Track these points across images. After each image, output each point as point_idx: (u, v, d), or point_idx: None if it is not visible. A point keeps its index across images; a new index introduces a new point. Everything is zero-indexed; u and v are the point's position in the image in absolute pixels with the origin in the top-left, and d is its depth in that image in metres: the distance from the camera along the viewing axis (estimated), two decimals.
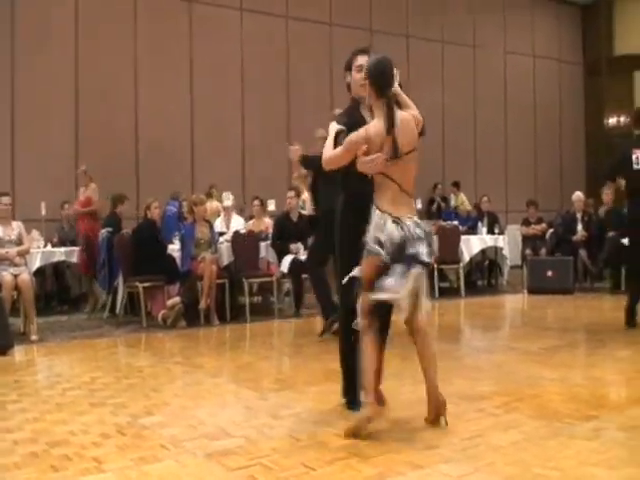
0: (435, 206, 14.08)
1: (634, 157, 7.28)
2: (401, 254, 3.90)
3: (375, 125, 3.98)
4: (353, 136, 3.98)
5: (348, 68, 4.52)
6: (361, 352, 4.08)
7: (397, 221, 3.92)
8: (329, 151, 4.15)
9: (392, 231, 3.90)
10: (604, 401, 4.65)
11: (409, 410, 4.44)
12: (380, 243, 3.90)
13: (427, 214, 13.89)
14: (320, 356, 6.42)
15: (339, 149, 4.07)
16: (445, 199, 14.44)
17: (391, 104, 4.01)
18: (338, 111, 7.12)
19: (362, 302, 4.00)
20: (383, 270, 3.93)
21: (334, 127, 4.22)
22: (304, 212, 8.94)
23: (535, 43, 16.75)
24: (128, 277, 8.72)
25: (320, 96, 13.26)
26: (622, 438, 3.75)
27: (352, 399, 4.45)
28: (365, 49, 4.51)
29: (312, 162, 7.13)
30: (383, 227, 3.91)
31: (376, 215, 3.96)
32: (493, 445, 3.69)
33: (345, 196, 4.37)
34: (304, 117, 12.14)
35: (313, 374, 5.78)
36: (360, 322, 4.05)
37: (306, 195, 8.82)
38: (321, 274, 7.37)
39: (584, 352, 6.74)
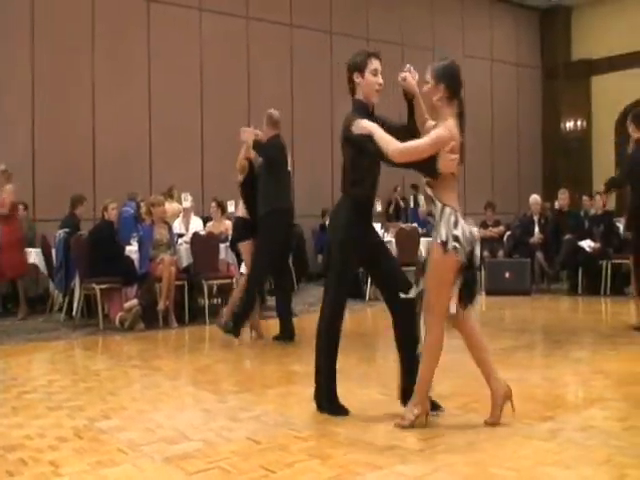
0: (393, 207, 14.14)
1: None
2: (471, 255, 3.90)
3: (452, 125, 4.01)
4: (442, 133, 3.93)
5: (358, 69, 4.36)
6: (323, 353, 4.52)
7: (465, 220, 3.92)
8: (407, 143, 3.97)
9: (465, 229, 3.87)
10: (560, 402, 4.71)
11: (371, 411, 4.45)
12: (457, 240, 3.83)
13: (386, 216, 13.95)
14: (280, 358, 6.42)
15: (423, 142, 3.93)
16: (404, 200, 14.51)
17: (462, 106, 4.12)
18: (259, 132, 7.16)
19: (436, 309, 3.94)
20: (461, 270, 3.90)
21: (369, 122, 4.18)
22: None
23: (493, 47, 16.94)
24: (85, 279, 8.59)
25: (280, 97, 13.24)
26: (578, 438, 3.79)
27: (323, 402, 4.43)
28: (376, 53, 4.43)
29: (264, 149, 7.12)
30: (456, 224, 3.85)
31: (446, 212, 3.87)
32: (452, 445, 3.71)
33: (357, 198, 4.34)
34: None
35: (273, 376, 5.78)
36: (435, 330, 3.98)
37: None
38: (283, 284, 7.48)
39: (541, 353, 6.81)
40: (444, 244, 3.82)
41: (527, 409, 4.36)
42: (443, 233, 3.83)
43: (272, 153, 7.10)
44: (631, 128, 7.39)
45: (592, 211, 11.71)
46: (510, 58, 17.32)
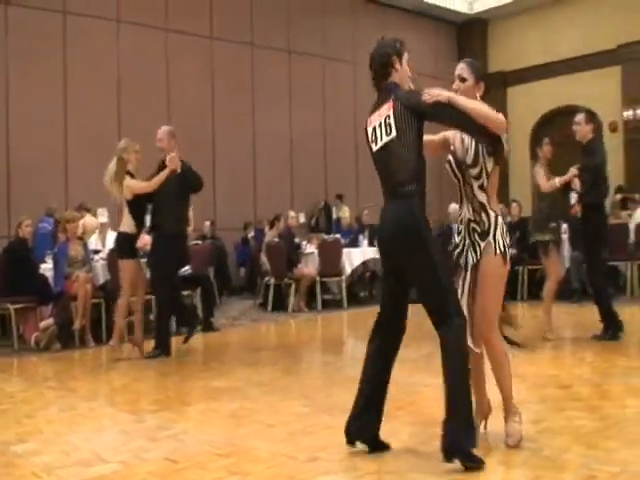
0: (314, 220, 14.19)
1: None
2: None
3: None
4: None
5: (398, 55, 3.82)
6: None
7: None
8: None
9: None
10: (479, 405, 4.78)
11: (293, 424, 4.43)
12: (509, 249, 3.78)
13: (309, 227, 14.00)
14: (199, 374, 6.35)
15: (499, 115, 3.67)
16: (328, 209, 14.58)
17: None
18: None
19: (495, 321, 3.83)
20: None
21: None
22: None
23: (412, 60, 17.19)
24: None
25: (201, 109, 13.17)
26: (495, 441, 3.85)
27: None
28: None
29: (197, 175, 7.36)
30: (505, 233, 3.76)
31: (499, 221, 3.73)
32: (372, 455, 3.72)
33: (421, 204, 3.63)
34: (186, 130, 11.96)
35: (192, 393, 5.71)
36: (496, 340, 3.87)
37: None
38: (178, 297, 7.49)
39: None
40: (504, 255, 3.71)
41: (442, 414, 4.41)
42: (501, 244, 3.71)
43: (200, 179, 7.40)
44: (586, 126, 7.42)
45: (508, 218, 11.98)
46: (428, 70, 17.59)
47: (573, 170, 6.98)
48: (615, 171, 15.27)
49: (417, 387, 5.32)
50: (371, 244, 12.08)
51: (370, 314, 11.00)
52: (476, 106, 3.60)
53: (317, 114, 14.99)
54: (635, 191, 13.53)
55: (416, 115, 3.57)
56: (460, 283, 3.82)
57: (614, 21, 15.21)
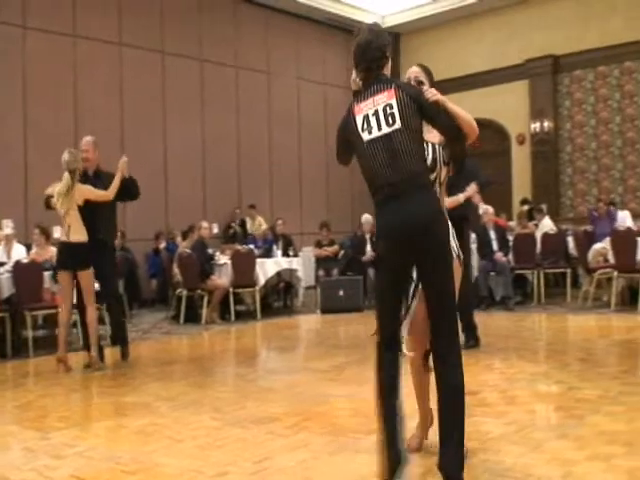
0: (232, 231, 14.09)
1: None
2: None
3: None
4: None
5: (388, 48, 3.54)
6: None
7: None
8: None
9: None
10: None
11: (203, 437, 4.37)
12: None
13: (224, 239, 13.88)
14: (108, 389, 6.21)
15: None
16: (243, 222, 14.51)
17: None
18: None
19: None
20: None
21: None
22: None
23: (326, 72, 17.31)
24: None
25: (110, 117, 12.93)
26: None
27: None
28: None
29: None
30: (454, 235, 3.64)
31: (449, 225, 3.49)
32: (281, 466, 3.71)
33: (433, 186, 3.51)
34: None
35: (100, 408, 5.59)
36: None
37: None
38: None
39: (372, 368, 6.96)
40: (459, 258, 3.65)
41: (357, 423, 4.44)
42: (456, 247, 3.63)
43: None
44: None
45: None
46: (342, 83, 17.75)
47: (473, 186, 7.15)
48: (523, 182, 15.83)
49: (327, 398, 5.33)
50: (285, 254, 12.08)
51: (284, 324, 11.11)
52: (463, 112, 3.44)
53: (230, 123, 14.92)
54: (542, 202, 14.01)
55: (418, 108, 3.34)
56: (411, 290, 3.55)
57: (521, 37, 15.69)
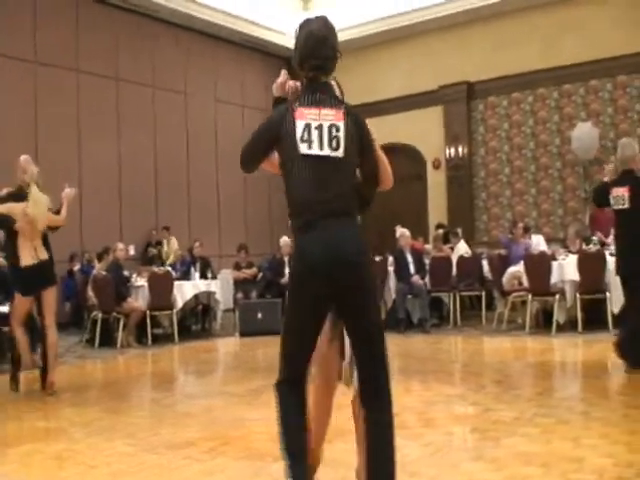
0: (151, 254, 13.86)
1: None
2: None
3: None
4: None
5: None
6: None
7: None
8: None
9: None
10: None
11: (117, 464, 4.26)
12: None
13: (142, 261, 13.65)
14: (22, 414, 6.01)
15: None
16: (160, 244, 14.31)
17: None
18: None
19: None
20: None
21: None
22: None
23: (244, 93, 17.32)
24: None
25: (24, 136, 12.60)
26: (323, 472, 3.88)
27: None
28: None
29: None
30: None
31: None
32: None
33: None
34: (7, 158, 11.43)
35: (13, 434, 5.40)
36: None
37: None
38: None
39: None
40: None
41: (274, 448, 4.36)
42: None
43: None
44: None
45: None
46: (259, 104, 17.79)
47: None
48: (438, 206, 16.12)
49: (244, 422, 5.28)
50: (203, 276, 11.94)
51: (202, 348, 10.96)
52: (385, 160, 3.25)
53: (147, 142, 14.74)
54: (456, 225, 14.29)
55: (359, 140, 3.10)
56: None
57: (435, 63, 16.02)
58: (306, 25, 3.16)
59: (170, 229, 14.27)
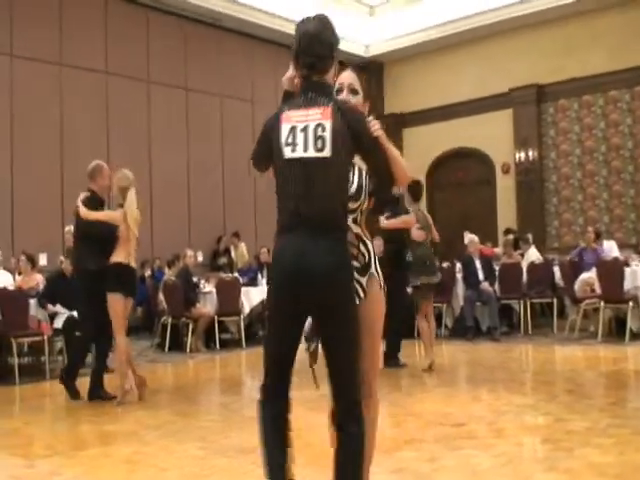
0: (221, 262, 14.04)
1: None
2: None
3: None
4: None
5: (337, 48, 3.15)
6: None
7: None
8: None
9: None
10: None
11: (189, 467, 4.32)
12: None
13: (210, 267, 13.85)
14: (93, 418, 6.14)
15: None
16: (228, 251, 14.48)
17: None
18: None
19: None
20: None
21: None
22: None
23: None
24: None
25: (95, 145, 12.91)
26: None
27: None
28: None
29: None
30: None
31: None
32: None
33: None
34: (80, 166, 11.71)
35: (85, 437, 5.54)
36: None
37: None
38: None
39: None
40: (384, 289, 3.15)
41: None
42: (381, 277, 3.13)
43: None
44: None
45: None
46: None
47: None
48: (508, 211, 15.91)
49: (315, 428, 5.26)
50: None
51: None
52: (399, 156, 3.03)
53: (215, 151, 14.96)
54: (526, 231, 14.05)
55: (354, 137, 2.91)
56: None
57: (506, 65, 15.83)
58: (302, 24, 3.04)
59: (240, 235, 14.47)
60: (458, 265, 11.33)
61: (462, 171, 16.70)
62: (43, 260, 9.42)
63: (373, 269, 3.08)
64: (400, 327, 8.13)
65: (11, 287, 8.99)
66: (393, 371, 7.84)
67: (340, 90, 3.18)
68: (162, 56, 14.27)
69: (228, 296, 10.84)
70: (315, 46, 2.96)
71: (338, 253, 2.85)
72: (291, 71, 3.08)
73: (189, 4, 13.96)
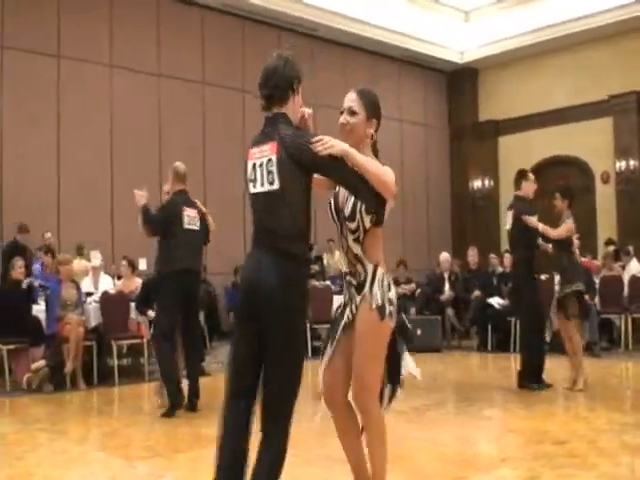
0: (314, 270, 14.11)
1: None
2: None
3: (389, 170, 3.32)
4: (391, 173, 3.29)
5: (299, 81, 3.36)
6: None
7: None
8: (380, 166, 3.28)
9: (394, 292, 3.40)
10: (472, 461, 4.74)
11: (284, 474, 4.35)
12: (392, 304, 3.31)
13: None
14: (191, 420, 6.26)
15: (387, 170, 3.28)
16: (319, 258, 14.54)
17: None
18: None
19: (374, 385, 3.35)
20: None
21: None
22: None
23: (402, 107, 17.35)
24: None
25: (193, 153, 13.23)
26: None
27: None
28: None
29: (151, 219, 6.75)
30: (390, 286, 3.35)
31: (378, 273, 3.34)
32: None
33: (305, 271, 3.32)
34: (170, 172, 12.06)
35: (184, 440, 5.64)
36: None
37: None
38: (166, 349, 6.63)
39: (452, 411, 6.87)
40: (381, 309, 3.24)
41: (439, 469, 4.38)
42: (379, 297, 3.25)
43: (157, 219, 6.83)
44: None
45: (500, 269, 12.02)
46: (418, 119, 17.78)
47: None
48: (607, 222, 15.44)
49: (407, 440, 5.25)
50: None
51: None
52: (373, 168, 3.17)
53: None
54: (627, 242, 13.60)
55: (301, 167, 3.10)
56: (329, 343, 3.44)
57: (605, 72, 15.41)
58: (266, 63, 3.32)
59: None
60: (557, 277, 11.05)
61: (562, 179, 16.36)
62: (142, 265, 9.67)
63: (367, 289, 3.26)
64: (537, 342, 7.47)
65: (112, 291, 9.29)
66: (491, 385, 7.66)
67: (342, 112, 3.45)
68: (255, 67, 14.48)
69: (320, 304, 10.90)
70: (270, 80, 3.22)
71: (282, 273, 3.05)
72: None
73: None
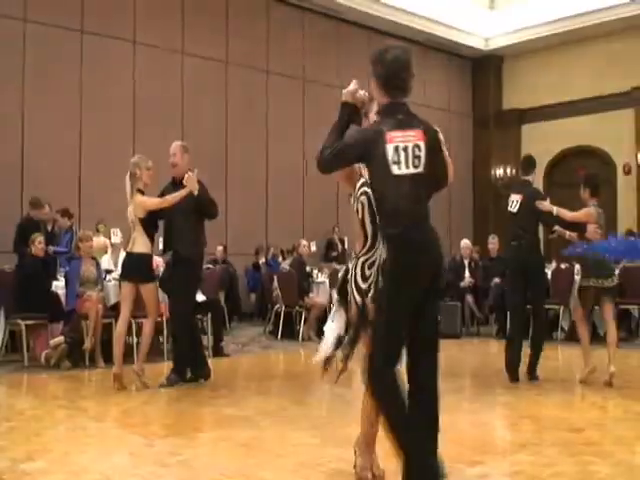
0: (335, 253, 14.14)
1: (510, 201, 7.47)
2: None
3: None
4: None
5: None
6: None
7: None
8: None
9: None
10: (489, 447, 4.75)
11: (302, 455, 4.39)
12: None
13: (325, 258, 13.98)
14: (210, 400, 6.32)
15: None
16: (342, 241, 14.57)
17: None
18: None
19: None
20: None
21: None
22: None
23: (426, 94, 17.25)
24: (10, 314, 8.33)
25: (215, 133, 13.26)
26: None
27: None
28: None
29: (209, 199, 6.97)
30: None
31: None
32: None
33: None
34: (200, 153, 12.02)
35: (202, 419, 5.69)
36: None
37: None
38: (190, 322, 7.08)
39: (469, 397, 6.88)
40: (356, 301, 3.73)
41: (456, 454, 4.37)
42: (354, 290, 3.73)
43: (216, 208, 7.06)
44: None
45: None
46: (442, 105, 17.69)
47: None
48: (628, 214, 15.33)
49: None
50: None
51: None
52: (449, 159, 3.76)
53: None
54: None
55: (437, 153, 3.57)
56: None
57: (628, 63, 15.27)
58: (390, 51, 3.60)
59: None
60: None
61: (582, 169, 16.28)
62: (160, 244, 9.71)
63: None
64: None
65: None
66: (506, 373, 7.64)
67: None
68: (280, 47, 14.49)
69: None
70: (404, 74, 3.55)
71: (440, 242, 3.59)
72: (353, 85, 3.73)
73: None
